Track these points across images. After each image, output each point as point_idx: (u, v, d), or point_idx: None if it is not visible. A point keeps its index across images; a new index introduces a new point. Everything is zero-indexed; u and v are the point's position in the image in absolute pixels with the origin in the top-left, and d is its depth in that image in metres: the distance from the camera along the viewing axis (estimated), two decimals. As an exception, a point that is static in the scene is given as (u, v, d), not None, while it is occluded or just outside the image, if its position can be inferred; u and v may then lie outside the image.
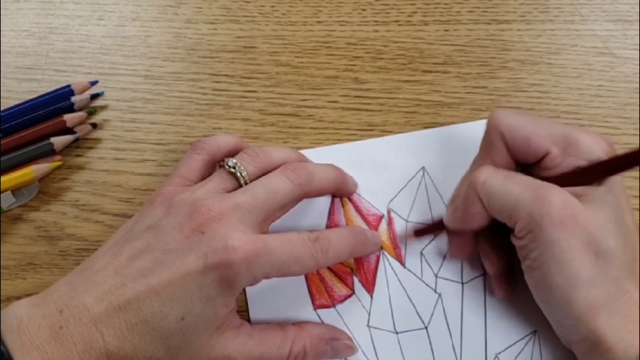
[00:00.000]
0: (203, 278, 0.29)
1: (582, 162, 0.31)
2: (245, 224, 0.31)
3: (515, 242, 0.32)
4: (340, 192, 0.38)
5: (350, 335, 0.36)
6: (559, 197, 0.30)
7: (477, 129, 0.40)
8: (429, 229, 0.37)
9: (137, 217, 0.33)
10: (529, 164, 0.33)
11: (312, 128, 0.41)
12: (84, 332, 0.29)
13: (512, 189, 0.31)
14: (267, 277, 0.31)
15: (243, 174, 0.33)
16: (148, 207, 0.33)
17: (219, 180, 0.33)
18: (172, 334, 0.29)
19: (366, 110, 0.41)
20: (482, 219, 0.33)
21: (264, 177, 0.33)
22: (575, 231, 0.29)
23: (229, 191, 0.33)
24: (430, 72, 0.42)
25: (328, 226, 0.38)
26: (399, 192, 0.39)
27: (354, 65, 0.43)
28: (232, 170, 0.33)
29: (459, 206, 0.33)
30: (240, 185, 0.33)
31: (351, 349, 0.35)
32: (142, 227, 0.32)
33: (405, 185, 0.39)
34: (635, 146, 0.40)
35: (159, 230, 0.31)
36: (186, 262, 0.29)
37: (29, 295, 0.31)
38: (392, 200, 0.39)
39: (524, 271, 0.32)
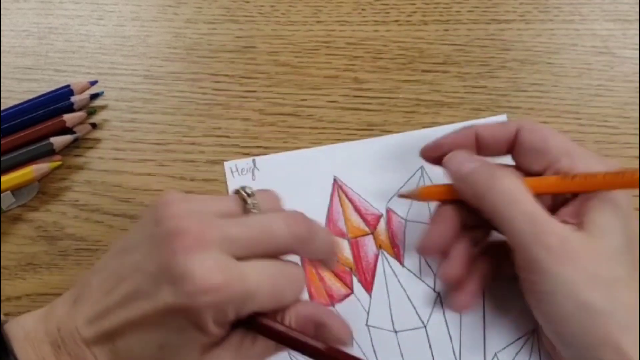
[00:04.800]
0: (174, 314, 0.28)
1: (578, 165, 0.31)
2: (225, 253, 0.28)
3: (518, 273, 0.32)
4: (327, 265, 0.37)
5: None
6: (555, 238, 0.29)
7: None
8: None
9: (140, 221, 0.32)
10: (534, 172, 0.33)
11: (311, 128, 0.41)
12: (79, 353, 0.29)
13: (511, 220, 0.31)
14: (241, 313, 0.29)
15: (254, 209, 0.31)
16: (148, 210, 0.31)
17: (226, 202, 0.31)
18: None
19: (366, 110, 0.41)
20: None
21: (264, 215, 0.31)
22: (578, 265, 0.29)
23: (231, 213, 0.30)
24: (430, 71, 0.42)
25: (327, 226, 0.38)
26: (397, 192, 0.39)
27: (353, 65, 0.43)
28: (246, 198, 0.31)
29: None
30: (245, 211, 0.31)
31: (343, 342, 0.32)
32: (137, 236, 0.30)
33: (404, 184, 0.39)
34: (635, 145, 0.40)
35: (144, 246, 0.29)
36: (160, 295, 0.28)
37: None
38: (390, 199, 0.39)
39: (531, 307, 0.32)
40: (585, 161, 0.32)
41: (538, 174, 0.33)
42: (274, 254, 0.31)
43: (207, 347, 0.29)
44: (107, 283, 0.30)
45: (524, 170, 0.34)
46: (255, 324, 0.29)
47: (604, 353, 0.29)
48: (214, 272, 0.27)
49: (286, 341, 0.29)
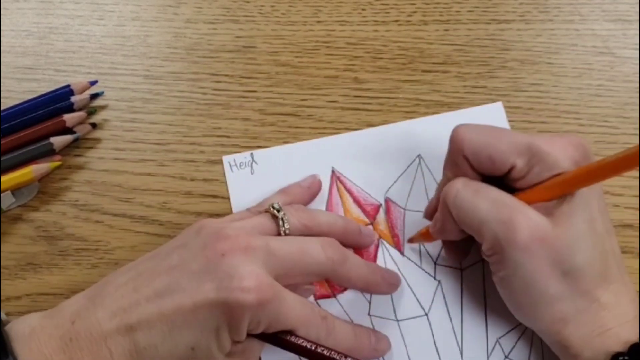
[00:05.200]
0: (213, 310, 0.28)
1: (547, 173, 0.30)
2: (267, 266, 0.30)
3: (484, 257, 0.32)
4: (371, 291, 0.36)
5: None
6: (525, 222, 0.29)
7: (470, 116, 0.41)
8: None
9: (174, 238, 0.33)
10: (498, 177, 0.32)
11: (311, 128, 0.41)
12: (93, 347, 0.28)
13: (480, 206, 0.30)
14: (269, 329, 0.30)
15: (285, 223, 0.32)
16: (186, 229, 0.33)
17: (259, 219, 0.33)
18: None
19: (366, 110, 0.41)
20: (460, 232, 0.32)
21: (301, 237, 0.32)
22: (541, 253, 0.29)
23: (266, 231, 0.32)
24: (430, 71, 0.42)
25: None
26: (395, 181, 0.39)
27: (353, 65, 0.43)
28: (276, 214, 0.33)
29: (438, 219, 0.33)
30: (279, 232, 0.32)
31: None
32: (174, 245, 0.32)
33: (402, 173, 0.39)
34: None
35: (184, 249, 0.30)
36: (200, 290, 0.28)
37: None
38: (389, 189, 0.39)
39: (495, 283, 0.32)
40: (537, 155, 0.30)
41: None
42: (309, 277, 0.32)
43: (231, 354, 0.30)
44: (135, 281, 0.30)
45: (490, 177, 0.33)
46: (279, 340, 0.30)
47: (547, 337, 0.31)
48: (260, 275, 0.29)
49: (313, 356, 0.30)
